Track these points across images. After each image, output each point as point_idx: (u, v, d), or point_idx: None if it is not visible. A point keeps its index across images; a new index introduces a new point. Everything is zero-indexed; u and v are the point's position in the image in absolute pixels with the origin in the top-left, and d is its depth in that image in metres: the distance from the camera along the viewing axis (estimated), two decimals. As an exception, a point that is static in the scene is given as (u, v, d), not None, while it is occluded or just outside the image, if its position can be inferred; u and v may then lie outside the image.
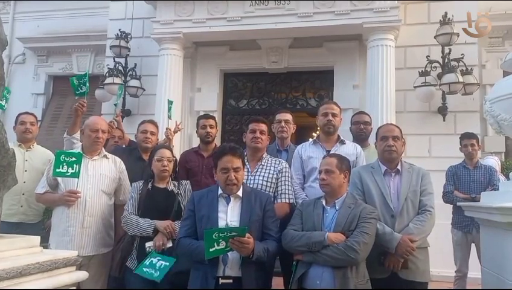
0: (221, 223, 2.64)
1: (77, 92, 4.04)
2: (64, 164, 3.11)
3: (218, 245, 2.40)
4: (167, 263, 2.91)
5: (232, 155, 2.72)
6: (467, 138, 4.81)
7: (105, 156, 3.52)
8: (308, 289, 2.59)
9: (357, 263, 2.54)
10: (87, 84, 3.99)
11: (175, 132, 4.68)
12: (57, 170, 3.12)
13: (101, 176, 3.40)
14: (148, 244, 3.06)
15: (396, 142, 3.04)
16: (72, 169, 3.12)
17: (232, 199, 2.73)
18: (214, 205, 2.71)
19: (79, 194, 3.21)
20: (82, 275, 2.06)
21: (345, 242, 2.54)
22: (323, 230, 2.65)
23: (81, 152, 3.34)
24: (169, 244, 3.04)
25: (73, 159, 3.14)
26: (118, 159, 3.60)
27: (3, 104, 4.17)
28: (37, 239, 2.00)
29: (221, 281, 2.55)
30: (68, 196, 3.20)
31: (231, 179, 2.67)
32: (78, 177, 3.17)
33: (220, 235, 2.40)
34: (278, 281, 3.47)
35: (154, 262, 2.94)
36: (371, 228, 2.62)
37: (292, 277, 2.67)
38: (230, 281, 2.56)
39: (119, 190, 3.54)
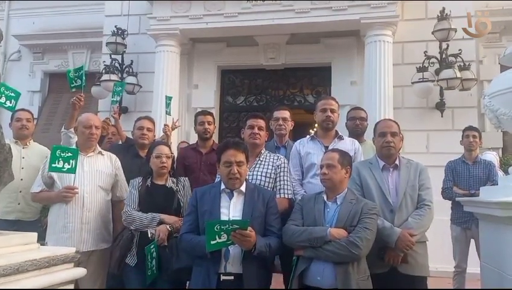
0: (224, 219, 2.60)
1: (72, 85, 3.96)
2: (60, 159, 3.07)
3: (219, 238, 2.37)
4: (154, 272, 2.95)
5: (235, 149, 2.70)
6: (469, 130, 4.81)
7: (100, 152, 3.50)
8: (309, 285, 2.57)
9: (359, 258, 2.53)
10: (83, 78, 3.91)
11: (172, 129, 4.66)
12: (53, 165, 3.07)
13: (97, 172, 3.37)
14: (152, 231, 3.02)
15: (395, 138, 3.04)
16: (69, 164, 3.08)
17: (235, 194, 2.71)
18: (217, 200, 2.69)
19: (76, 190, 3.19)
20: (80, 272, 2.04)
21: (347, 238, 2.52)
22: (324, 225, 2.63)
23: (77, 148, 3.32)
24: (165, 243, 3.02)
25: (70, 154, 3.10)
26: (113, 156, 3.58)
27: (3, 102, 4.08)
28: (34, 236, 1.97)
29: (222, 277, 2.53)
30: (66, 192, 3.17)
31: (234, 173, 2.65)
32: (74, 173, 3.14)
33: (222, 227, 2.37)
34: (277, 279, 3.46)
35: (154, 256, 2.94)
36: (372, 224, 2.61)
37: (293, 273, 2.64)
38: (232, 278, 2.53)
39: (116, 186, 3.51)
